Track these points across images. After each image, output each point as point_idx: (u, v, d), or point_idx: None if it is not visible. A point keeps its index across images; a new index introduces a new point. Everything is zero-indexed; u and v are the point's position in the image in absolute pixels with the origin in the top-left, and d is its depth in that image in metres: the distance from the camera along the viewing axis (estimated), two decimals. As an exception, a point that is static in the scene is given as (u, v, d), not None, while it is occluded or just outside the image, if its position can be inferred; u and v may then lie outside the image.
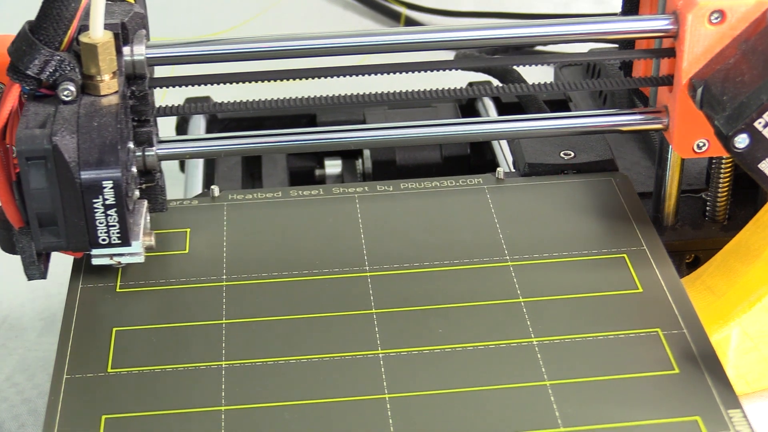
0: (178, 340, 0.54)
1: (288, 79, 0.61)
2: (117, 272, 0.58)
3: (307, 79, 0.61)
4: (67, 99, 0.54)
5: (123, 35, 0.57)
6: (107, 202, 0.53)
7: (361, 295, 0.57)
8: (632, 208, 0.62)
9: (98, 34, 0.55)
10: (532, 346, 0.53)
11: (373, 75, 0.61)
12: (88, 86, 0.55)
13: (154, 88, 0.60)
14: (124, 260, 0.56)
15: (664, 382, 0.51)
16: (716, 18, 0.58)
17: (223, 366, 0.53)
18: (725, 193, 0.65)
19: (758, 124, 0.55)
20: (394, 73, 0.61)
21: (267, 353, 0.53)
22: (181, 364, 0.53)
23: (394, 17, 1.07)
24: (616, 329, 0.54)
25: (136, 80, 0.58)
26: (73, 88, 0.54)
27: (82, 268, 0.59)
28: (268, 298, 0.57)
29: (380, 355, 0.53)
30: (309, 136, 0.62)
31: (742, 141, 0.55)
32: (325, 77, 0.61)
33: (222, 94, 0.63)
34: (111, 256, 0.56)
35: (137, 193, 0.58)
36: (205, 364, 0.53)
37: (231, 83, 0.60)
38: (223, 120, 0.77)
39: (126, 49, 0.57)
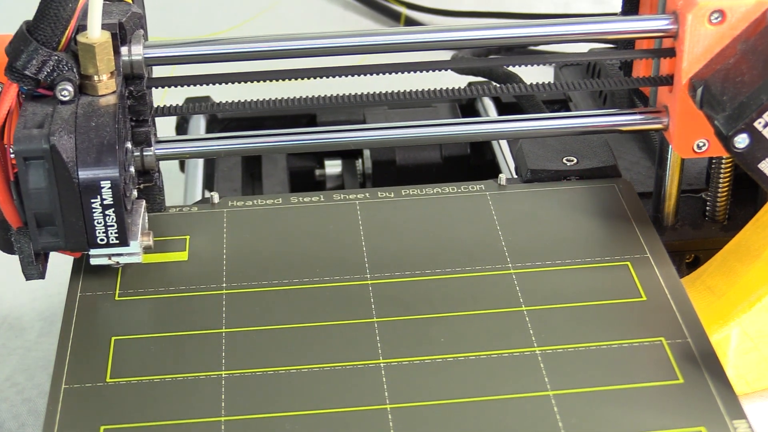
0: (178, 349, 0.54)
1: (288, 79, 0.61)
2: (116, 280, 0.58)
3: (307, 79, 0.60)
4: (65, 99, 0.54)
5: (121, 35, 0.57)
6: (105, 202, 0.53)
7: (363, 303, 0.56)
8: (635, 214, 0.61)
9: (96, 34, 0.55)
10: (534, 356, 0.53)
11: (373, 75, 0.61)
12: (85, 86, 0.55)
13: (153, 88, 0.60)
14: (122, 260, 0.56)
15: (668, 392, 0.51)
16: (716, 18, 0.58)
17: (223, 375, 0.53)
18: (725, 193, 0.65)
19: (758, 124, 0.55)
20: (394, 73, 0.61)
21: (267, 362, 0.53)
22: (180, 373, 0.53)
23: (394, 17, 1.07)
24: (619, 338, 0.54)
25: (134, 80, 0.58)
26: (71, 88, 0.54)
27: (81, 276, 0.58)
28: (269, 306, 0.56)
29: (382, 364, 0.53)
30: (309, 136, 0.62)
31: (742, 141, 0.55)
32: (325, 77, 0.61)
33: (222, 94, 0.63)
34: (109, 256, 0.56)
35: (135, 193, 0.58)
36: (205, 373, 0.53)
37: (231, 83, 0.60)
38: (223, 120, 0.77)
39: (124, 49, 0.57)
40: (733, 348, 0.58)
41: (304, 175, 0.76)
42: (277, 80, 0.61)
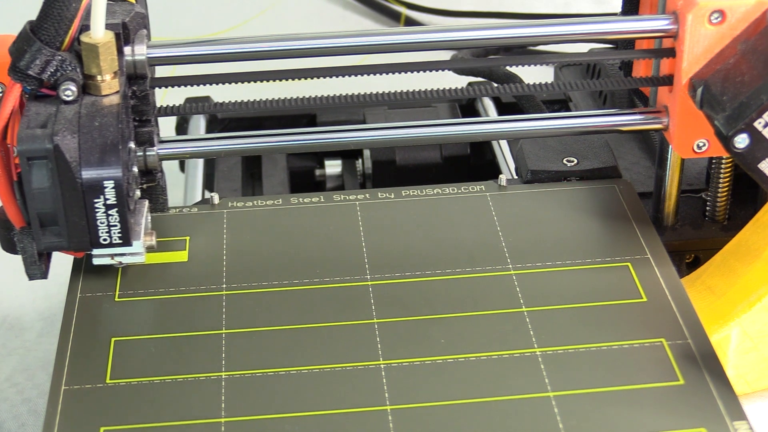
0: (178, 350, 0.54)
1: (288, 79, 0.61)
2: (116, 281, 0.58)
3: (307, 79, 0.60)
4: (68, 99, 0.54)
5: (124, 35, 0.57)
6: (108, 202, 0.53)
7: (363, 304, 0.56)
8: (636, 215, 0.61)
9: (99, 34, 0.55)
10: (535, 357, 0.53)
11: (373, 75, 0.61)
12: (89, 86, 0.55)
13: (155, 88, 0.60)
14: (125, 260, 0.56)
15: (669, 393, 0.51)
16: (716, 18, 0.58)
17: (223, 376, 0.52)
18: (725, 193, 0.65)
19: (758, 124, 0.55)
20: (394, 73, 0.61)
21: (267, 363, 0.53)
22: (180, 374, 0.53)
23: (394, 17, 1.07)
24: (620, 339, 0.54)
25: (137, 80, 0.58)
26: (74, 88, 0.54)
27: (81, 276, 0.58)
28: (269, 307, 0.56)
29: (382, 365, 0.53)
30: (309, 136, 0.62)
31: (742, 141, 0.55)
32: (325, 77, 0.61)
33: (222, 94, 0.63)
34: (112, 256, 0.56)
35: (138, 192, 0.58)
36: (205, 374, 0.53)
37: (231, 83, 0.60)
38: (223, 120, 0.77)
39: (127, 49, 0.57)
40: (733, 348, 0.58)
41: (304, 175, 0.76)
42: (277, 80, 0.61)
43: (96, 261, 0.56)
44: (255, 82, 0.61)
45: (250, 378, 0.52)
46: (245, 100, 0.61)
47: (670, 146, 0.63)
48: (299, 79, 0.60)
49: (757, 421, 0.57)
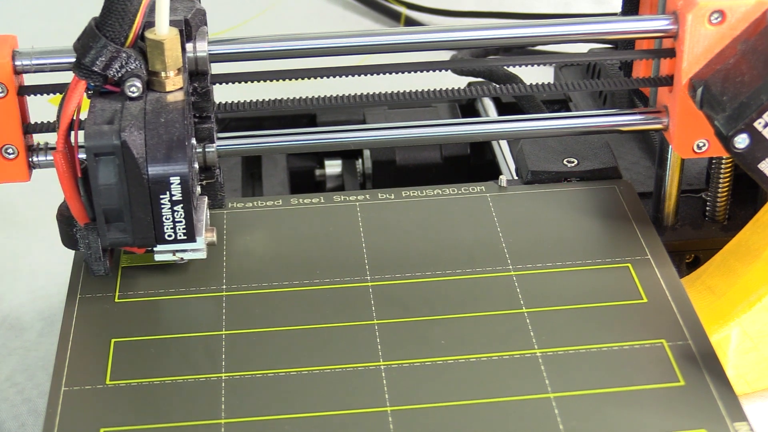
0: (178, 351, 0.54)
1: (288, 79, 0.61)
2: (115, 282, 0.58)
3: (307, 79, 0.61)
4: (133, 95, 0.54)
5: (186, 32, 0.57)
6: (174, 198, 0.53)
7: (363, 305, 0.56)
8: (636, 216, 0.61)
9: (164, 30, 0.55)
10: (535, 358, 0.53)
11: (373, 75, 0.61)
12: (153, 83, 0.55)
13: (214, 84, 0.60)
14: (186, 256, 0.56)
15: (669, 394, 0.51)
16: (716, 18, 0.58)
17: (223, 378, 0.52)
18: (725, 193, 0.65)
19: (758, 124, 0.55)
20: (394, 73, 0.61)
21: (267, 365, 0.53)
22: (180, 375, 0.53)
23: (394, 17, 1.07)
24: (620, 340, 0.54)
25: (198, 77, 0.58)
26: (139, 84, 0.54)
27: (81, 278, 0.58)
28: (269, 308, 0.56)
29: (382, 366, 0.53)
30: (309, 136, 0.62)
31: (742, 141, 0.55)
32: (325, 77, 0.61)
33: (222, 94, 0.63)
34: (174, 252, 0.56)
35: (198, 189, 0.58)
36: (205, 375, 0.53)
37: (231, 83, 0.60)
38: (223, 120, 0.77)
39: (189, 46, 0.57)
40: (733, 348, 0.58)
41: (304, 175, 0.76)
42: (277, 80, 0.61)
43: (158, 257, 0.56)
44: (255, 82, 0.61)
45: (250, 379, 0.52)
46: (245, 100, 0.61)
47: (670, 146, 0.63)
48: (299, 79, 0.60)
49: (757, 421, 0.57)
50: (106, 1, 0.54)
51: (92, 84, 0.54)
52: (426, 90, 0.61)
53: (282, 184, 0.74)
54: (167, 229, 0.54)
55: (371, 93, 0.61)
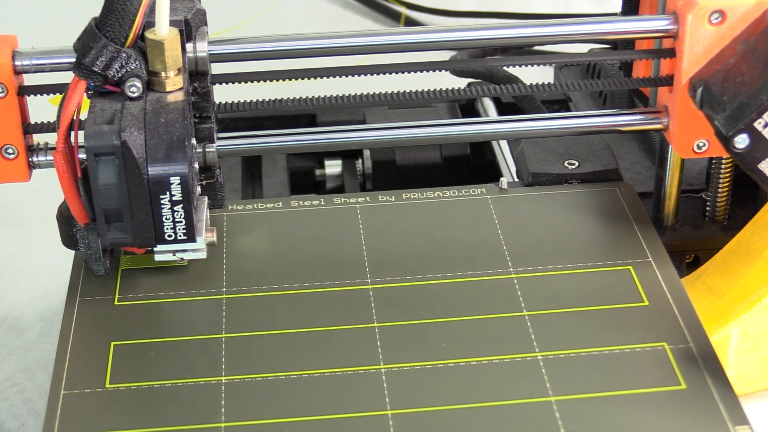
0: (177, 354, 0.54)
1: (288, 79, 0.61)
2: (115, 284, 0.58)
3: (307, 79, 0.61)
4: (133, 95, 0.54)
5: (186, 32, 0.57)
6: (174, 198, 0.53)
7: (363, 308, 0.56)
8: (637, 218, 0.61)
9: (164, 30, 0.55)
10: (536, 361, 0.53)
11: (373, 75, 0.61)
12: (153, 83, 0.55)
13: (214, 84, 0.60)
14: (186, 256, 0.56)
15: (671, 398, 0.51)
16: (716, 18, 0.58)
17: (223, 381, 0.52)
18: (725, 193, 0.65)
19: (758, 124, 0.55)
20: (394, 73, 0.61)
21: (267, 368, 0.53)
22: (180, 379, 0.52)
23: (394, 17, 1.07)
24: (621, 343, 0.54)
25: (198, 77, 0.58)
26: (139, 84, 0.54)
27: (80, 280, 0.58)
28: (269, 311, 0.56)
29: (382, 369, 0.53)
30: (309, 136, 0.62)
31: (742, 141, 0.55)
32: (325, 77, 0.61)
33: (222, 94, 0.63)
34: (174, 252, 0.56)
35: (198, 189, 0.58)
36: (205, 379, 0.52)
37: (231, 83, 0.60)
38: (223, 120, 0.77)
39: (189, 46, 0.57)
40: (733, 348, 0.58)
41: (304, 175, 0.76)
42: (277, 80, 0.61)
43: (158, 257, 0.56)
44: (255, 82, 0.61)
45: (250, 382, 0.52)
46: (245, 100, 0.61)
47: (670, 146, 0.63)
48: (299, 79, 0.60)
49: (757, 421, 0.57)
50: (106, 1, 0.54)
51: (92, 84, 0.54)
52: (426, 90, 0.61)
53: (282, 184, 0.74)
54: (167, 229, 0.54)
55: (371, 93, 0.61)
